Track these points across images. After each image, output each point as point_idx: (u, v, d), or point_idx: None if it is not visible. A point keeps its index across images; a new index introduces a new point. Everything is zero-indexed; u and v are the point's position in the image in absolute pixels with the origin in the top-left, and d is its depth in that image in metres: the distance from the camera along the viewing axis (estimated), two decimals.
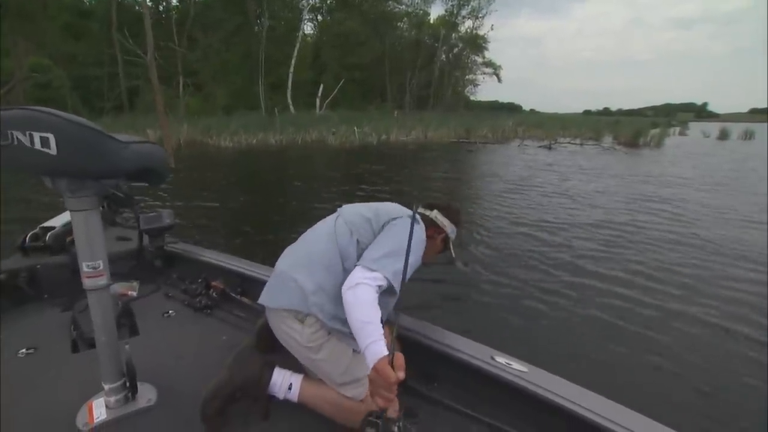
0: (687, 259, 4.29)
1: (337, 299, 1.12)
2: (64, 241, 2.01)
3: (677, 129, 32.75)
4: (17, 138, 1.01)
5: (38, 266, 1.91)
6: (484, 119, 23.71)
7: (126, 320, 1.78)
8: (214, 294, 1.92)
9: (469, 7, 35.48)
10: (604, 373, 2.45)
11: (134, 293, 1.96)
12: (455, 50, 37.68)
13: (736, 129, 28.40)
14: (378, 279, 1.07)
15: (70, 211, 1.14)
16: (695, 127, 39.23)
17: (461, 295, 3.41)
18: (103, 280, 1.18)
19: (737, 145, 22.14)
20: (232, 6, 24.17)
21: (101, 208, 1.20)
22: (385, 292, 1.11)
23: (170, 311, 1.86)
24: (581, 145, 18.26)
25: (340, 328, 1.18)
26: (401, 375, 0.90)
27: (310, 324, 1.20)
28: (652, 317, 3.09)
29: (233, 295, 1.89)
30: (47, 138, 1.00)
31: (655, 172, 10.58)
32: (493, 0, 36.26)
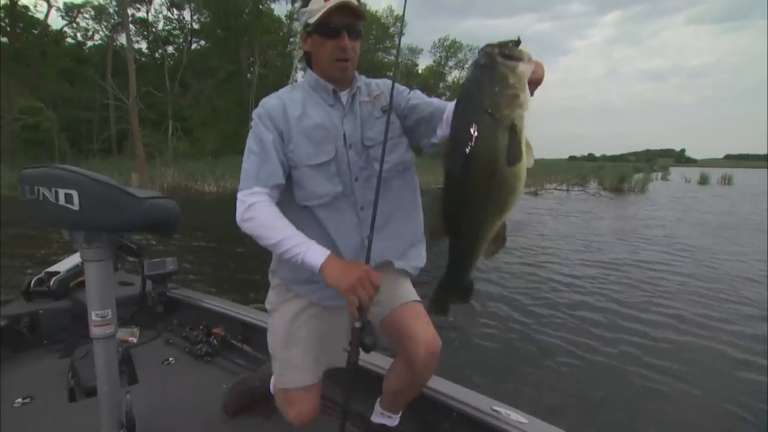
0: (690, 304, 4.29)
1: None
2: (67, 286, 2.05)
3: (659, 174, 33.90)
4: (43, 194, 1.11)
5: (40, 311, 1.94)
6: None
7: (126, 367, 1.76)
8: (215, 341, 1.91)
9: (456, 58, 37.19)
10: (605, 424, 2.37)
11: (134, 339, 1.95)
12: (443, 98, 38.97)
13: (715, 174, 29.78)
14: (246, 194, 1.05)
15: (84, 261, 1.20)
16: (676, 172, 40.82)
17: (458, 341, 3.30)
18: (110, 329, 1.22)
19: (719, 189, 22.92)
20: (226, 54, 24.93)
21: None
22: (286, 191, 1.12)
23: (170, 358, 1.85)
24: (568, 190, 18.53)
25: (289, 282, 1.21)
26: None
27: (272, 284, 1.26)
28: (652, 359, 3.07)
29: (234, 342, 1.88)
30: (71, 194, 1.08)
31: (641, 214, 10.66)
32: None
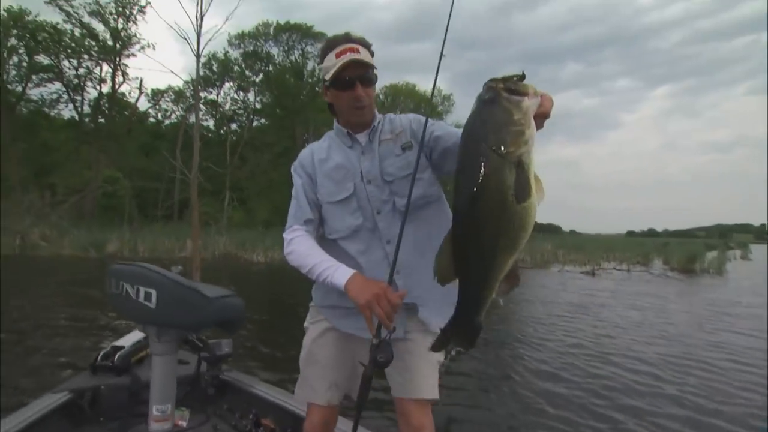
0: None
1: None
2: (129, 362, 2.10)
3: (737, 252, 30.19)
4: (126, 290, 1.24)
5: (102, 387, 1.98)
6: None
7: None
8: None
9: None
10: None
11: (184, 423, 1.93)
12: None
13: None
14: (287, 233, 1.26)
15: (153, 355, 1.32)
16: (758, 250, 36.05)
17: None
18: (168, 425, 1.30)
19: None
20: (283, 131, 27.03)
21: None
22: (320, 228, 1.30)
23: None
24: (628, 271, 16.89)
25: (323, 305, 1.33)
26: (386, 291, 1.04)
27: (311, 305, 1.39)
28: None
29: None
30: (150, 293, 1.21)
31: (721, 301, 9.17)
32: None
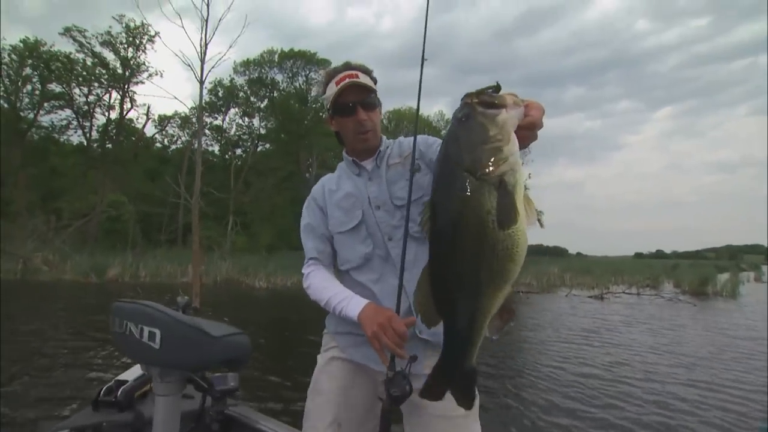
0: None
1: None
2: (132, 397, 2.05)
3: (750, 274, 29.48)
4: (130, 329, 1.23)
5: (104, 424, 1.92)
6: (528, 265, 22.50)
7: None
8: None
9: None
10: None
11: None
12: None
13: None
14: (305, 267, 1.28)
15: (156, 395, 1.30)
16: None
17: None
18: None
19: None
20: (287, 156, 27.24)
21: None
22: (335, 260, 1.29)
23: None
24: (638, 294, 16.49)
25: (336, 332, 1.27)
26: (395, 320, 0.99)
27: (324, 333, 1.34)
28: None
29: None
30: (154, 333, 1.20)
31: (736, 326, 8.79)
32: (528, 152, 38.65)
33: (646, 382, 5.15)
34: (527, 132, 0.76)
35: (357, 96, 1.19)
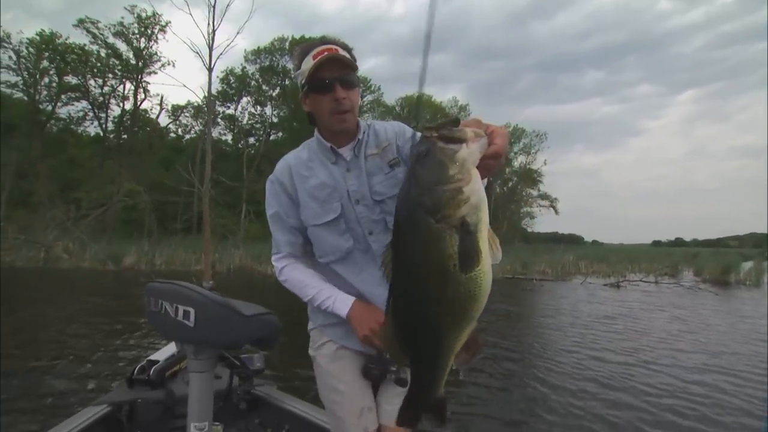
0: None
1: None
2: (164, 376, 2.11)
3: None
4: (165, 308, 1.29)
5: (139, 400, 2.00)
6: (542, 253, 22.34)
7: None
8: None
9: (521, 144, 37.21)
10: None
11: None
12: (509, 184, 38.57)
13: None
14: (276, 260, 1.23)
15: (191, 372, 1.36)
16: None
17: None
18: None
19: None
20: (299, 144, 27.12)
21: None
22: (310, 249, 1.23)
23: None
24: (656, 282, 16.10)
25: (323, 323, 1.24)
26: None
27: (309, 329, 1.31)
28: None
29: None
30: (189, 311, 1.24)
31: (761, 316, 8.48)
32: (545, 138, 37.89)
33: (668, 368, 5.03)
34: (492, 161, 0.73)
35: (336, 72, 1.10)
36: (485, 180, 0.99)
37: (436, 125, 0.69)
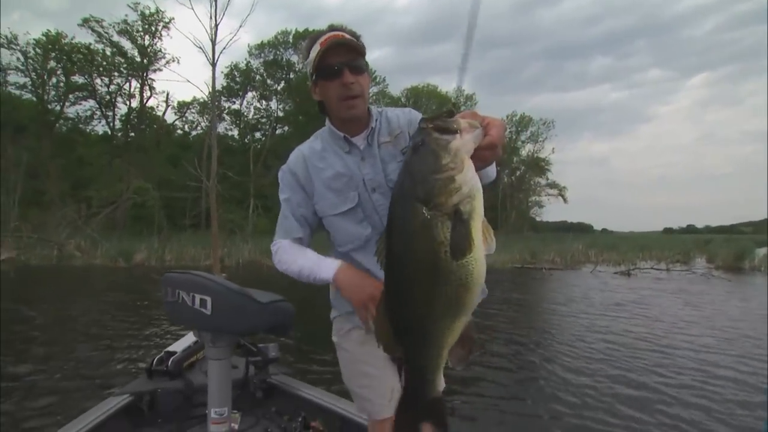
0: None
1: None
2: (181, 366, 2.17)
3: None
4: (182, 297, 1.32)
5: (159, 390, 2.05)
6: (551, 242, 22.17)
7: None
8: None
9: (528, 132, 36.83)
10: None
11: (236, 426, 1.96)
12: (517, 173, 38.26)
13: None
14: (274, 245, 1.21)
15: (209, 359, 1.40)
16: None
17: None
18: (226, 427, 1.37)
19: None
20: (305, 137, 26.97)
21: None
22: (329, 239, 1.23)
23: None
24: (668, 270, 15.88)
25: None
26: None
27: (332, 317, 1.30)
28: None
29: None
30: (205, 300, 1.27)
31: None
32: (552, 126, 37.46)
33: (679, 350, 5.00)
34: (488, 152, 0.74)
35: (343, 57, 1.09)
36: (490, 169, 0.99)
37: (431, 116, 0.71)
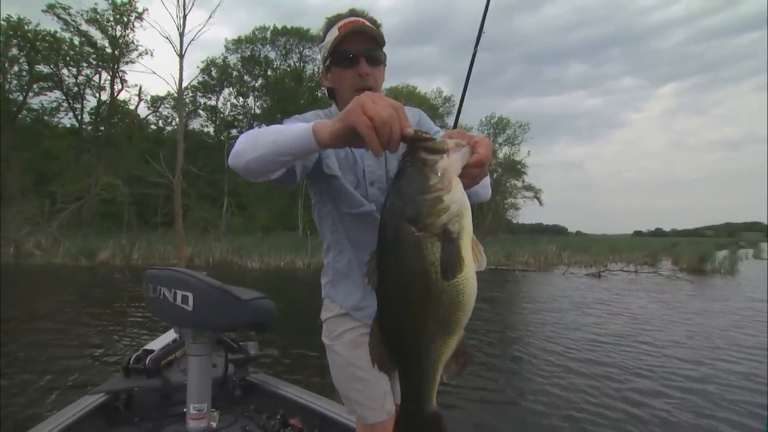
0: None
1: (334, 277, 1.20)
2: (159, 365, 2.14)
3: (749, 251, 29.38)
4: (164, 293, 1.32)
5: (136, 389, 2.03)
6: (526, 244, 22.51)
7: None
8: None
9: (505, 135, 37.34)
10: None
11: (214, 424, 1.92)
12: (494, 176, 38.73)
13: None
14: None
15: (189, 356, 1.41)
16: None
17: None
18: (204, 423, 1.39)
19: None
20: None
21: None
22: (330, 204, 1.13)
23: None
24: (636, 272, 16.40)
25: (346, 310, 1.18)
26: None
27: (326, 316, 1.22)
28: None
29: None
30: (187, 296, 1.28)
31: (735, 302, 8.65)
32: (527, 128, 38.09)
33: (641, 345, 5.10)
34: (476, 169, 0.73)
35: (361, 45, 1.03)
36: (484, 190, 1.00)
37: (417, 137, 0.70)
